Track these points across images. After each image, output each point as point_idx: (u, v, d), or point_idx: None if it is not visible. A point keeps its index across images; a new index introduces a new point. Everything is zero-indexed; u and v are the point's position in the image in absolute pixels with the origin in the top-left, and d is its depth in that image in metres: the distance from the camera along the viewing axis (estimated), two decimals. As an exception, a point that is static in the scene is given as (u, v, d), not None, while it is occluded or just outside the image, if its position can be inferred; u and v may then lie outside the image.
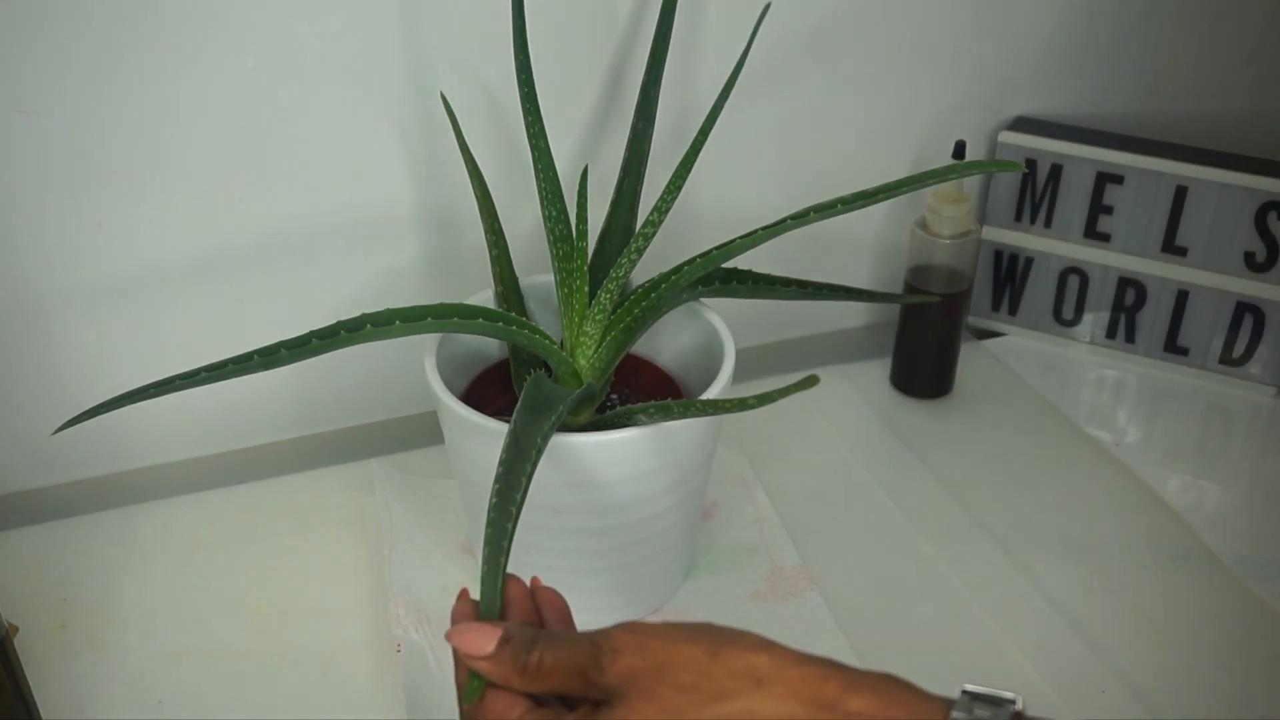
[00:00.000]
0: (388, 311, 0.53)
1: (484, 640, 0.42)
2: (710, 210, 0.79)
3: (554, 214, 0.61)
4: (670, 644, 0.41)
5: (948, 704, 0.38)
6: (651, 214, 0.57)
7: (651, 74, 0.64)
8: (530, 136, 0.60)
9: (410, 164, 0.71)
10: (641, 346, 0.68)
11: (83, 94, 0.62)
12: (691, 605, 0.65)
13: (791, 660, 0.39)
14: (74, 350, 0.70)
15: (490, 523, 0.44)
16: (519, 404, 0.51)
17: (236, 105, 0.65)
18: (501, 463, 0.47)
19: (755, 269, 0.64)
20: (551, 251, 0.61)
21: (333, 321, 0.52)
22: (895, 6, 0.77)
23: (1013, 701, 0.38)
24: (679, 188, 0.58)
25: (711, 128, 0.57)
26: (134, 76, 0.62)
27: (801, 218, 0.53)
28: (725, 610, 0.64)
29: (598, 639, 0.42)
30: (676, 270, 0.59)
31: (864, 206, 0.53)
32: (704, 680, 0.39)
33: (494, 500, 0.45)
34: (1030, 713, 0.38)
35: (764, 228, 0.55)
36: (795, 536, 0.69)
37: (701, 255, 0.57)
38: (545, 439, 0.48)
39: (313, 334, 0.51)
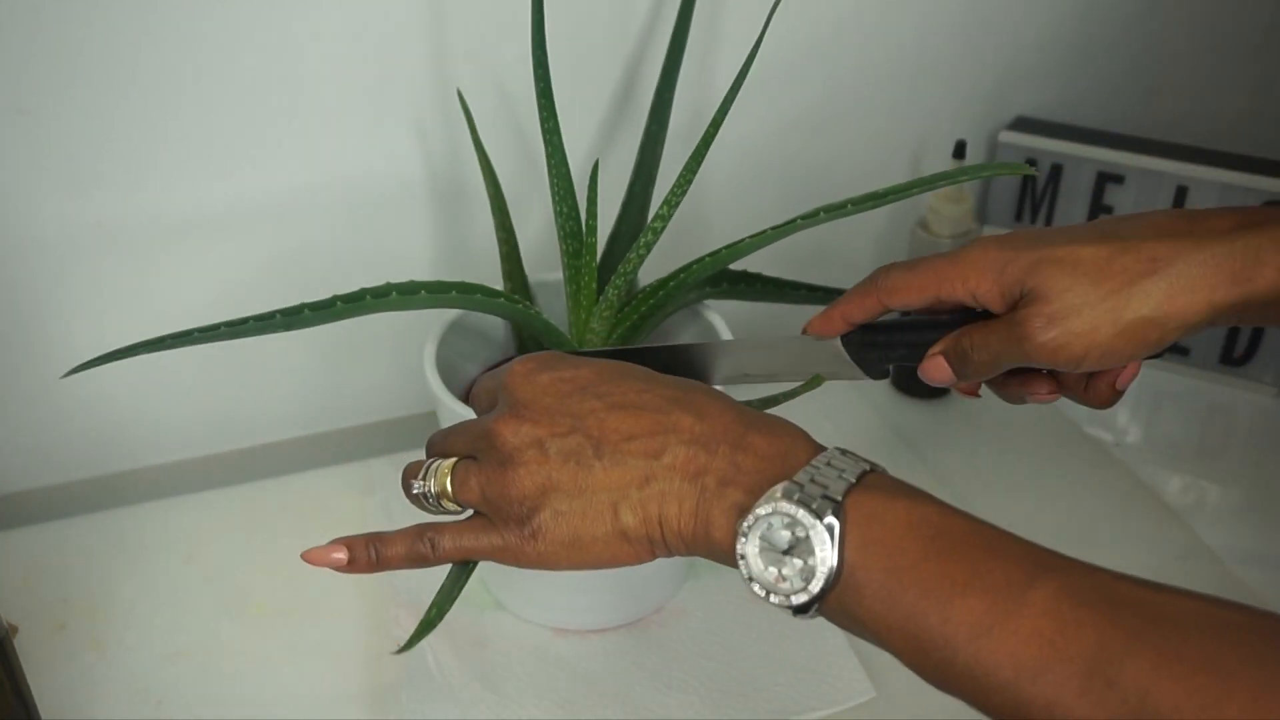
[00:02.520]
0: (413, 282, 0.53)
1: (334, 552, 0.46)
2: (714, 210, 0.79)
3: (565, 210, 0.61)
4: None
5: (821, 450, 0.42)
6: (661, 208, 0.57)
7: (667, 77, 0.64)
8: (545, 132, 0.60)
9: (421, 160, 0.71)
10: (645, 347, 0.68)
11: (82, 94, 0.62)
12: (692, 605, 0.65)
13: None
14: (74, 350, 0.69)
15: None
16: None
17: (238, 105, 0.65)
18: None
19: (758, 269, 0.64)
20: (561, 247, 0.61)
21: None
22: (896, 7, 0.77)
23: (873, 468, 0.41)
24: (688, 182, 0.58)
25: (721, 123, 0.57)
26: (135, 76, 0.62)
27: (812, 218, 0.53)
28: (725, 611, 0.64)
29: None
30: (685, 269, 0.59)
31: (874, 207, 0.53)
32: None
33: None
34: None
35: (774, 227, 0.55)
36: (795, 536, 0.69)
37: (710, 254, 0.57)
38: None
39: (337, 297, 0.51)
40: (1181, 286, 0.45)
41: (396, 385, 0.78)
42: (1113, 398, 0.51)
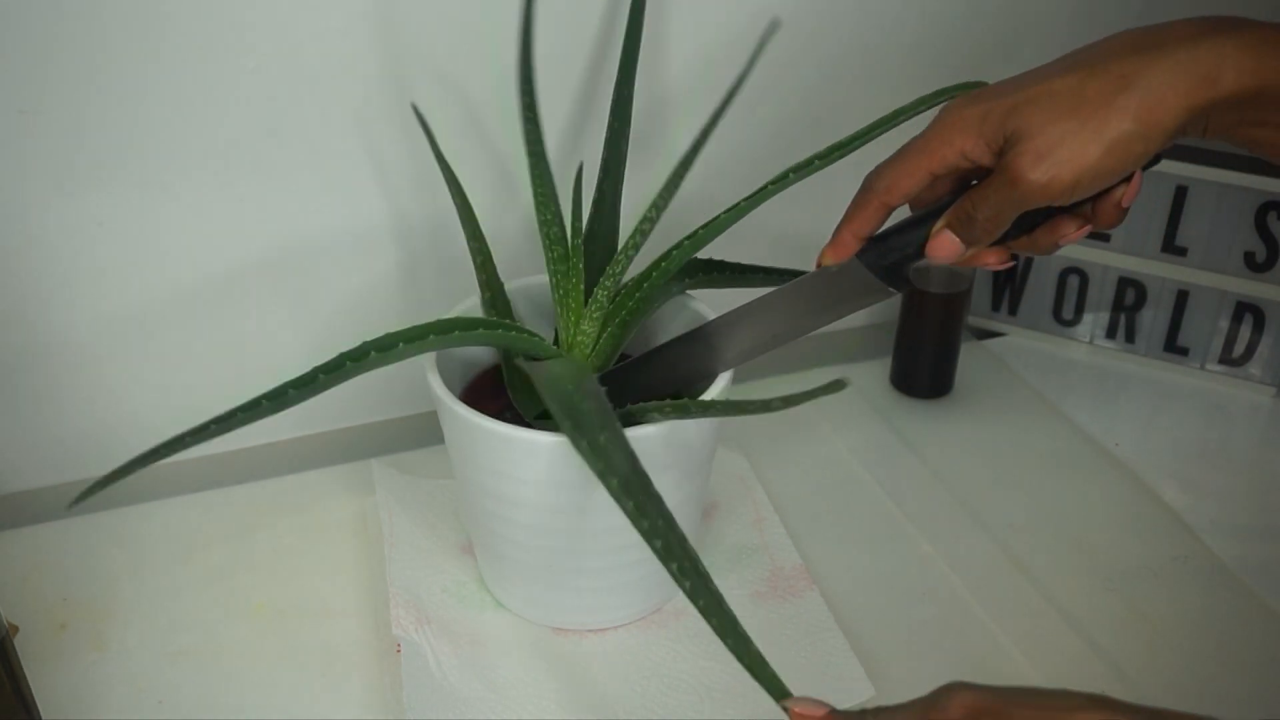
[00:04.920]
0: (389, 336, 0.53)
1: (816, 707, 0.45)
2: (697, 210, 0.79)
3: (548, 217, 0.61)
4: (1004, 691, 0.42)
5: None
6: (649, 210, 0.57)
7: (624, 72, 0.64)
8: (528, 143, 0.60)
9: (390, 173, 0.70)
10: (634, 345, 0.68)
11: (83, 94, 0.62)
12: (691, 605, 0.65)
13: (1129, 709, 0.40)
14: (73, 348, 0.70)
15: (707, 611, 0.44)
16: (598, 465, 0.47)
17: (235, 108, 0.65)
18: (650, 534, 0.46)
19: (756, 260, 0.64)
20: (546, 255, 0.61)
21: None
22: (894, 6, 0.77)
23: None
24: (678, 184, 0.57)
25: (711, 131, 0.57)
26: (133, 76, 0.62)
27: (781, 180, 0.54)
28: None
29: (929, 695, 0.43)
30: (665, 256, 0.59)
31: (840, 158, 0.54)
32: (1049, 701, 0.41)
33: (687, 585, 0.45)
34: None
35: (745, 198, 0.55)
36: (795, 536, 0.69)
37: (688, 237, 0.57)
38: (632, 458, 0.47)
39: (318, 370, 0.51)
40: (1156, 96, 0.47)
41: (396, 385, 0.78)
42: (1120, 216, 0.52)
